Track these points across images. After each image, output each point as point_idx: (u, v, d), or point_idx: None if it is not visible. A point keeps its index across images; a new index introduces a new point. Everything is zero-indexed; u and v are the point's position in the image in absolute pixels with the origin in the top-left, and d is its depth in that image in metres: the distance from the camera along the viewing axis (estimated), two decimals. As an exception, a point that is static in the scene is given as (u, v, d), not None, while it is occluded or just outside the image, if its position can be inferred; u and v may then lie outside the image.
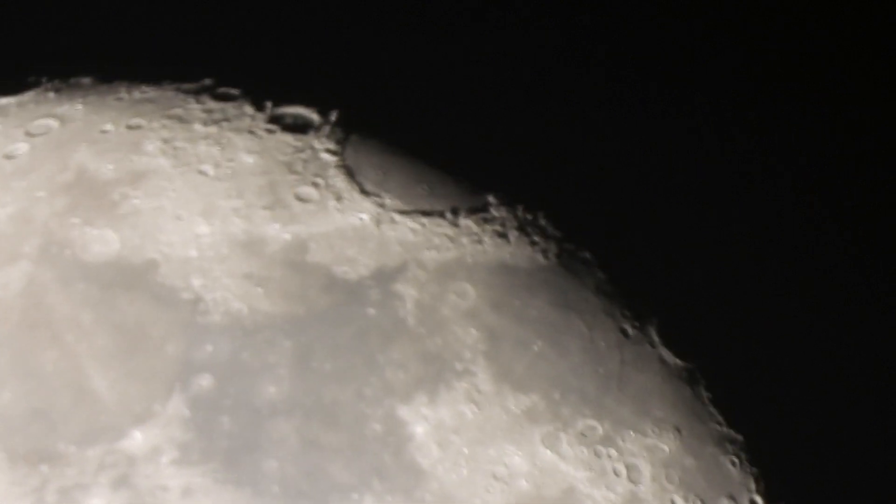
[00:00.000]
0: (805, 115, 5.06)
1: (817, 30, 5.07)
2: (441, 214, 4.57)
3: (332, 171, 4.60)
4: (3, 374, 4.34)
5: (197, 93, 4.81)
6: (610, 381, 4.38)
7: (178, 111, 4.74)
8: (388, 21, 4.94)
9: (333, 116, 4.72)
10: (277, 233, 4.51)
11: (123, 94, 4.85)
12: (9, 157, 4.67)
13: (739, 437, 4.42)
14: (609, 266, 4.54)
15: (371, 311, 4.42)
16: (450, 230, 4.54)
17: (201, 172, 4.57)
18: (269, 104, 4.76)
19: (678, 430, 4.37)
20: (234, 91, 4.81)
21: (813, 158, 4.91)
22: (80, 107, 4.82)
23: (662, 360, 4.44)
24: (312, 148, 4.65)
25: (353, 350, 4.36)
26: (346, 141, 4.68)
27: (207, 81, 4.84)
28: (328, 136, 4.69)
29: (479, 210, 4.60)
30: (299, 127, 4.71)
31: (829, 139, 5.01)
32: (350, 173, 4.58)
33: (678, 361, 4.45)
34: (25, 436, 4.28)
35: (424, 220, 4.54)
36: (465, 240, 4.52)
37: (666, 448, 4.38)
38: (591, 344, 4.42)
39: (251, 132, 4.68)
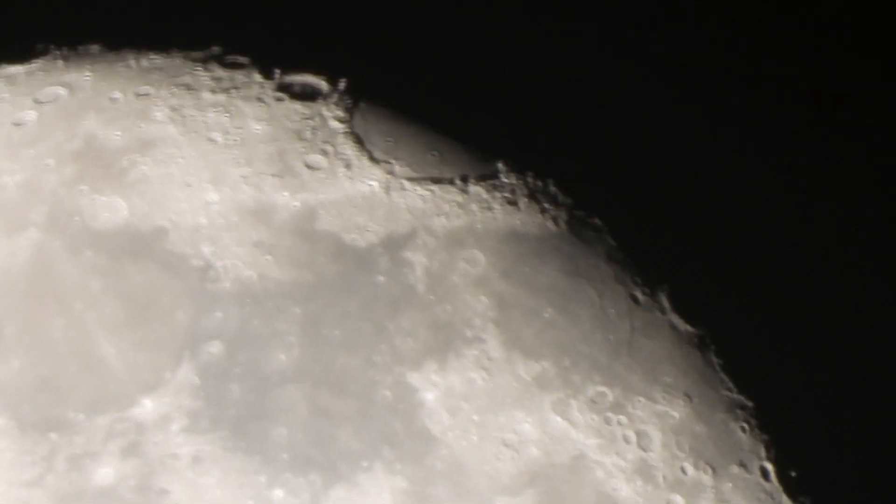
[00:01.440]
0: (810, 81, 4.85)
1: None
2: (451, 181, 4.40)
3: (341, 139, 4.42)
4: (12, 342, 4.20)
5: (205, 61, 4.64)
6: (620, 347, 4.21)
7: (187, 79, 4.57)
8: (397, -12, 4.74)
9: (342, 84, 4.54)
10: (286, 200, 4.36)
11: (132, 62, 4.67)
12: (17, 124, 4.50)
13: (750, 404, 4.25)
14: (619, 233, 4.38)
15: (380, 278, 4.27)
16: (459, 197, 4.37)
17: (210, 140, 4.40)
18: (277, 72, 4.59)
19: (688, 396, 4.21)
20: (243, 59, 4.63)
21: (820, 123, 4.71)
22: (88, 75, 4.65)
23: (673, 327, 4.27)
24: (321, 115, 4.48)
25: (363, 317, 4.21)
26: (354, 108, 4.51)
27: (216, 49, 4.66)
28: (337, 104, 4.51)
29: (488, 177, 4.43)
30: (308, 95, 4.54)
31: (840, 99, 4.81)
32: (359, 141, 4.41)
33: (688, 328, 4.28)
34: (34, 404, 4.14)
35: (434, 187, 4.36)
36: (474, 207, 4.34)
37: (676, 415, 4.21)
38: (602, 311, 4.25)
39: (260, 100, 4.50)
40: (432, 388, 4.18)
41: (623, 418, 4.19)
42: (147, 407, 4.13)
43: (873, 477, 4.31)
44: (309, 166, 4.39)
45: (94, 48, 4.77)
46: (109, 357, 4.16)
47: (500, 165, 4.47)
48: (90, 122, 4.54)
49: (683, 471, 4.17)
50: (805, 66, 4.78)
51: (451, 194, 4.39)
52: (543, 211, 4.39)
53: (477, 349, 4.22)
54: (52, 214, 4.34)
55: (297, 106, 4.54)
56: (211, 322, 4.21)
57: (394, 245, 4.33)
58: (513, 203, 4.40)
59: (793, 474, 4.25)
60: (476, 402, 4.17)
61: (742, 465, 4.22)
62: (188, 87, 4.58)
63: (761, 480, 4.22)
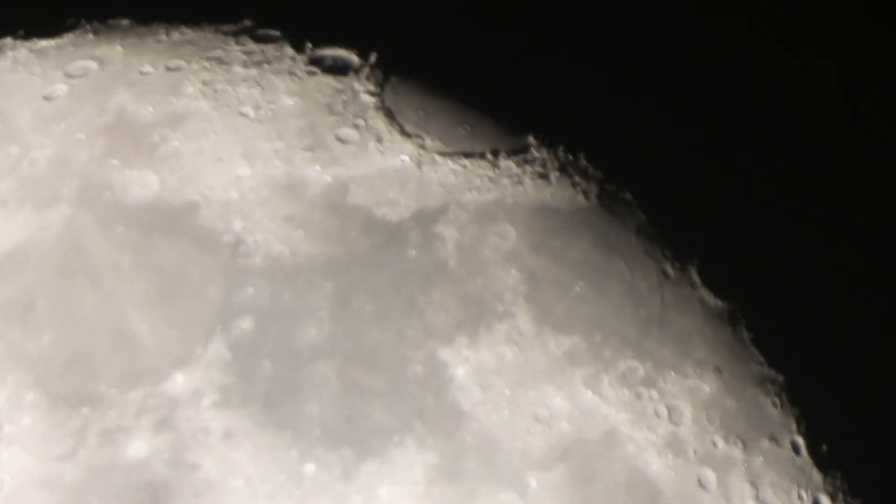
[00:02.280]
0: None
1: None
2: (482, 155, 4.32)
3: (373, 113, 4.33)
4: (44, 317, 4.14)
5: (237, 34, 4.54)
6: (651, 322, 4.12)
7: (218, 53, 4.48)
8: (427, -39, 4.62)
9: (373, 58, 4.44)
10: (318, 175, 4.28)
11: (162, 35, 4.58)
12: (48, 99, 4.43)
13: (780, 378, 4.16)
14: (650, 207, 4.28)
15: (412, 252, 4.19)
16: (490, 171, 4.29)
17: (242, 114, 4.31)
18: (309, 46, 4.50)
19: (719, 370, 4.12)
20: (274, 32, 4.54)
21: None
22: (119, 49, 4.56)
23: (703, 301, 4.18)
24: (353, 89, 4.39)
25: (394, 292, 4.14)
26: (386, 82, 4.42)
27: (247, 23, 4.56)
28: (368, 78, 4.43)
29: (519, 151, 4.35)
30: (339, 68, 4.45)
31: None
32: (390, 115, 4.32)
33: (719, 302, 4.19)
34: (66, 379, 4.08)
35: (465, 161, 4.28)
36: (505, 181, 4.26)
37: (707, 389, 4.13)
38: (632, 285, 4.17)
39: (291, 74, 4.41)
40: (463, 363, 4.10)
41: (654, 392, 4.11)
42: (179, 382, 4.06)
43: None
44: (340, 140, 4.31)
45: (125, 22, 4.67)
46: (141, 332, 4.09)
47: (531, 139, 4.37)
48: (121, 96, 4.45)
49: (714, 445, 4.09)
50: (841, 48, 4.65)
51: (482, 168, 4.30)
52: (574, 185, 4.30)
53: (508, 324, 4.14)
54: (82, 189, 4.27)
55: (329, 80, 4.45)
56: (242, 297, 4.13)
57: (425, 219, 4.25)
58: (543, 177, 4.30)
59: (824, 448, 4.15)
60: (507, 377, 4.10)
61: (773, 439, 4.13)
62: (219, 61, 4.49)
63: (792, 455, 4.14)
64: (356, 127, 4.33)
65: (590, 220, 4.27)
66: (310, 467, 3.98)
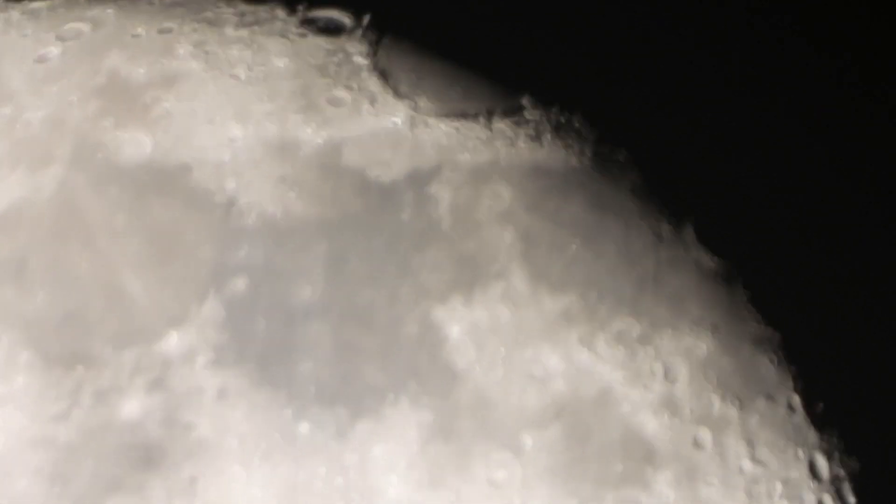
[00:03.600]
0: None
1: None
2: (475, 117, 4.19)
3: (365, 75, 4.21)
4: (37, 277, 4.03)
5: (228, -4, 4.38)
6: (646, 281, 4.00)
7: (210, 15, 4.35)
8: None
9: (366, 19, 4.28)
10: (310, 136, 4.15)
11: (155, -3, 4.42)
12: (41, 61, 4.30)
13: (777, 336, 4.03)
14: (644, 168, 4.14)
15: (405, 213, 4.07)
16: (484, 133, 4.16)
17: (233, 76, 4.19)
18: (300, 7, 4.38)
19: (715, 329, 4.01)
20: (266, -6, 4.38)
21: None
22: (111, 11, 4.44)
23: (698, 261, 4.07)
24: (345, 51, 4.26)
25: (388, 253, 4.03)
26: (379, 44, 4.29)
27: (239, -15, 4.40)
28: (361, 40, 4.30)
29: (513, 112, 4.22)
30: (331, 30, 4.32)
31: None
32: (383, 76, 4.19)
33: (714, 261, 4.08)
34: (60, 339, 3.96)
35: (459, 122, 4.15)
36: (499, 142, 4.14)
37: (703, 347, 4.01)
38: (627, 245, 4.05)
39: (283, 36, 4.29)
40: (458, 322, 3.97)
41: (649, 351, 3.99)
42: (173, 341, 3.94)
43: (901, 409, 4.06)
44: (333, 102, 4.18)
45: (117, -16, 4.52)
46: (135, 292, 3.96)
47: (525, 101, 4.23)
48: (113, 58, 4.32)
49: (710, 404, 3.97)
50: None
51: (475, 130, 4.17)
52: (568, 146, 4.17)
53: (502, 283, 4.01)
54: (76, 150, 4.14)
55: (321, 41, 4.31)
56: (235, 258, 4.01)
57: (418, 180, 4.12)
58: (537, 138, 4.18)
59: (820, 407, 4.01)
60: (502, 336, 3.98)
61: (769, 397, 4.00)
62: (211, 23, 4.35)
63: (788, 414, 4.01)
64: (349, 89, 4.20)
65: (584, 180, 4.14)
66: (304, 426, 3.87)
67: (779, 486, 3.97)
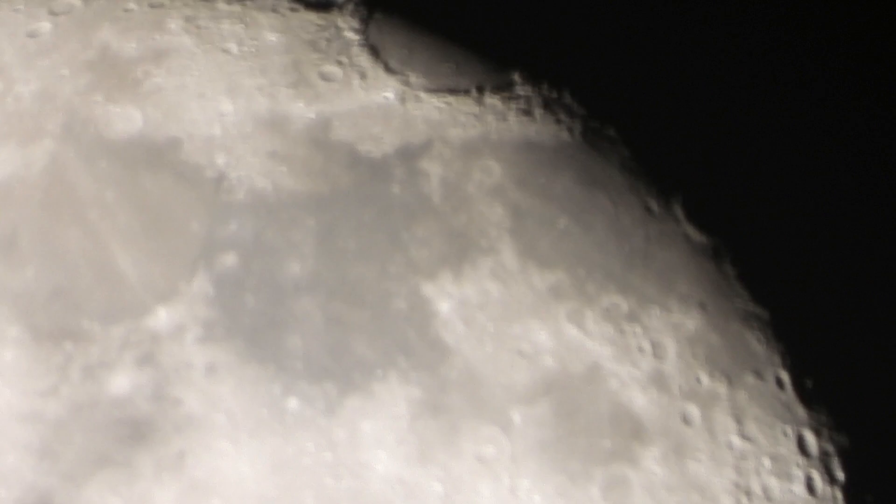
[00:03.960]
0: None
1: None
2: (466, 92, 4.14)
3: (356, 50, 4.15)
4: (27, 251, 3.99)
5: (220, -29, 4.32)
6: (635, 257, 3.95)
7: (201, -11, 4.25)
8: None
9: (357, -6, 4.22)
10: (301, 111, 4.10)
11: (146, -28, 4.36)
12: (32, 35, 4.25)
13: (765, 313, 3.99)
14: (634, 143, 4.10)
15: (395, 188, 4.02)
16: (475, 108, 4.11)
17: (225, 51, 4.13)
18: None
19: (703, 306, 3.95)
20: (258, -31, 4.31)
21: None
22: None
23: (687, 237, 4.01)
24: (336, 26, 4.20)
25: (378, 228, 3.99)
26: (369, 19, 4.23)
27: (231, -40, 4.34)
28: (352, 15, 4.25)
29: (504, 88, 4.17)
30: (323, 5, 4.27)
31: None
32: (374, 51, 4.14)
33: (703, 237, 4.02)
34: (49, 313, 3.92)
35: (450, 97, 4.10)
36: (490, 117, 4.08)
37: (691, 324, 3.97)
38: (616, 221, 3.99)
39: (275, 10, 4.24)
40: (447, 298, 3.93)
41: (638, 328, 3.93)
42: (162, 317, 3.90)
43: (889, 383, 4.01)
44: (324, 77, 4.12)
45: (109, -41, 4.46)
46: (124, 267, 3.92)
47: (516, 76, 4.17)
48: (105, 32, 4.26)
49: (698, 380, 3.91)
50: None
51: (466, 105, 4.12)
52: (558, 121, 4.11)
53: (492, 259, 3.97)
54: (67, 124, 4.09)
55: (312, 16, 4.25)
56: (225, 232, 3.97)
57: (409, 155, 4.07)
58: (528, 113, 4.11)
59: (808, 384, 3.96)
60: (491, 312, 3.93)
61: (757, 374, 3.96)
62: (202, -3, 4.28)
63: (776, 390, 3.96)
64: (340, 64, 4.14)
65: (574, 156, 4.09)
66: (293, 402, 3.84)
67: (767, 462, 3.93)
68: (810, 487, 3.94)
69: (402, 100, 4.10)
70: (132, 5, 4.30)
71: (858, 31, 4.48)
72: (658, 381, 3.93)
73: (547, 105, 4.14)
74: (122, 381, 3.84)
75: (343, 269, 3.92)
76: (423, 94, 4.11)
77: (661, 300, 3.98)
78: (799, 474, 3.94)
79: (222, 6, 4.26)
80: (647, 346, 3.94)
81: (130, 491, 3.77)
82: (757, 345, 4.00)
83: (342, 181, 4.01)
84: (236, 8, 4.26)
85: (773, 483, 3.92)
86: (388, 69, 4.15)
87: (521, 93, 4.15)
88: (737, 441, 3.92)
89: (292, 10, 4.26)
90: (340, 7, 4.26)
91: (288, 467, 3.78)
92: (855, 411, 4.00)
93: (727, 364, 3.97)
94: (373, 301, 3.90)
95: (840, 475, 3.96)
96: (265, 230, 3.95)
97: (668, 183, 4.08)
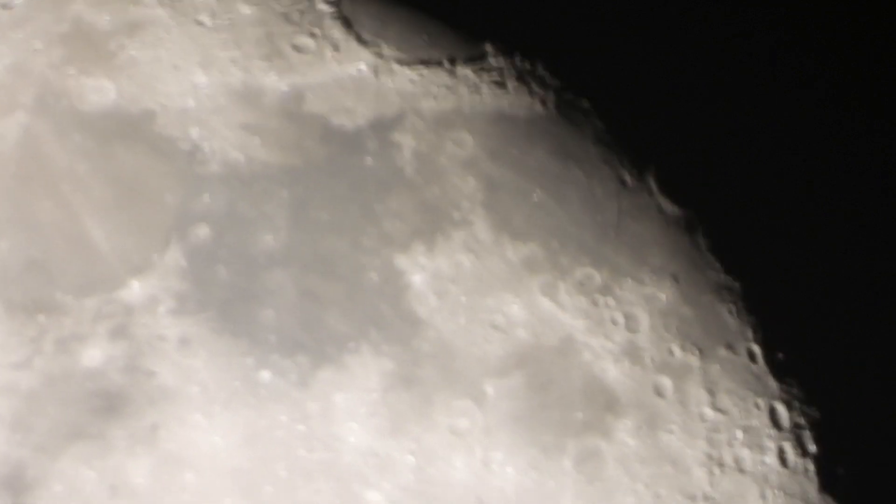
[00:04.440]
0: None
1: None
2: (439, 64, 4.07)
3: (329, 22, 4.08)
4: (0, 224, 3.85)
5: (194, -57, 4.24)
6: (608, 229, 3.89)
7: (175, -39, 4.17)
8: None
9: (330, -34, 4.14)
10: (275, 83, 4.03)
11: (120, -57, 4.28)
12: (5, 7, 4.18)
13: (737, 285, 3.93)
14: (608, 115, 4.01)
15: (368, 160, 3.96)
16: (448, 80, 4.04)
17: (199, 23, 4.06)
18: None
19: (676, 278, 3.90)
20: (232, -59, 4.23)
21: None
22: None
23: (660, 209, 3.95)
24: (310, -2, 4.09)
25: (351, 200, 3.93)
26: None
27: (205, -68, 4.26)
28: None
29: (477, 59, 4.09)
30: None
31: None
32: (347, 23, 4.07)
33: (676, 209, 3.96)
34: (22, 286, 3.87)
35: (423, 69, 4.03)
36: (463, 89, 4.01)
37: (663, 296, 3.92)
38: (590, 193, 3.93)
39: None
40: (420, 270, 3.89)
41: (611, 300, 3.88)
42: (135, 289, 3.84)
43: (860, 357, 3.95)
44: (297, 49, 4.05)
45: (83, -69, 4.37)
46: (97, 239, 3.86)
47: (489, 47, 4.09)
48: (78, 4, 4.18)
49: (671, 352, 3.87)
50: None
51: (439, 77, 4.05)
52: (532, 93, 4.04)
53: (465, 231, 3.92)
54: (40, 97, 4.01)
55: (285, -12, 4.16)
56: (198, 205, 3.91)
57: (382, 127, 4.00)
58: (501, 85, 4.05)
59: (780, 356, 3.91)
60: (464, 285, 3.89)
61: (729, 347, 3.90)
62: (176, -31, 4.20)
63: (748, 362, 3.91)
64: (313, 36, 4.07)
65: (547, 128, 4.02)
66: (265, 374, 3.79)
67: (739, 434, 3.89)
68: (782, 459, 3.89)
69: (375, 72, 4.03)
70: (106, -23, 4.24)
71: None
72: (631, 353, 3.88)
73: (520, 77, 4.07)
74: (95, 354, 3.80)
75: (316, 241, 3.88)
76: (395, 66, 4.04)
77: (634, 272, 3.93)
78: (771, 446, 3.89)
79: (196, -22, 4.20)
80: (620, 318, 3.90)
81: (104, 463, 3.73)
82: (729, 317, 3.95)
83: (315, 153, 3.95)
84: (210, -20, 4.20)
85: (746, 454, 3.88)
86: (361, 41, 4.08)
87: (495, 64, 4.08)
88: (709, 413, 3.87)
89: (266, -19, 4.20)
90: (314, -21, 4.19)
91: (261, 439, 3.74)
92: (827, 384, 3.95)
93: (700, 336, 3.92)
94: (345, 273, 3.86)
95: (812, 447, 3.91)
96: (238, 202, 3.90)
97: (641, 155, 4.02)
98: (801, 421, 3.92)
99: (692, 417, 3.87)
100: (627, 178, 4.01)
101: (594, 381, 3.85)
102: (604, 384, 3.85)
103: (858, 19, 4.32)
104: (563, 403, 3.83)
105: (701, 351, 3.90)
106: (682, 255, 3.96)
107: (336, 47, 4.07)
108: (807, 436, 3.92)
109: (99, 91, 4.00)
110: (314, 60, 4.06)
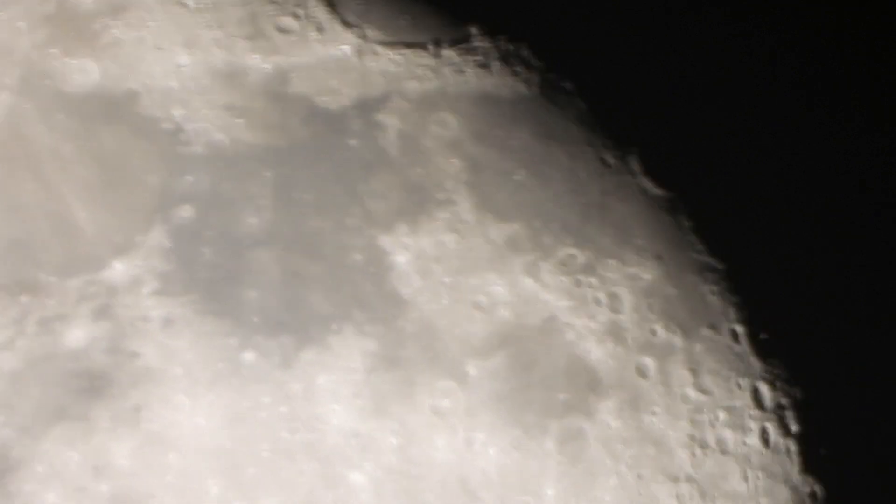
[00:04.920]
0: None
1: None
2: (423, 46, 4.04)
3: (313, 3, 4.08)
4: None
5: (177, -76, 4.18)
6: (591, 210, 3.85)
7: (158, -58, 4.12)
8: None
9: (314, -54, 4.09)
10: (258, 63, 3.99)
11: (103, -76, 4.22)
12: None
13: (720, 266, 3.89)
14: (591, 97, 3.98)
15: (352, 141, 3.92)
16: (432, 61, 4.01)
17: (181, 4, 4.04)
18: None
19: (659, 258, 3.87)
20: (215, -78, 4.18)
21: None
22: None
23: (643, 189, 3.92)
24: (293, -21, 4.04)
25: (335, 180, 3.89)
26: None
27: (188, -87, 4.20)
28: None
29: (461, 41, 4.06)
30: None
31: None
32: (331, 4, 4.05)
33: (659, 190, 3.92)
34: (5, 267, 3.81)
35: (406, 51, 4.00)
36: (447, 71, 3.97)
37: (647, 277, 3.88)
38: (573, 174, 3.89)
39: None
40: (403, 250, 3.84)
41: (594, 280, 3.84)
42: (118, 270, 3.79)
43: (843, 337, 3.91)
44: (280, 30, 4.01)
45: (66, -89, 4.31)
46: (81, 220, 3.81)
47: (473, 29, 4.06)
48: (62, -15, 4.09)
49: (654, 333, 3.82)
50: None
51: (423, 58, 4.00)
52: (515, 74, 4.00)
53: (448, 212, 3.88)
54: (24, 77, 3.95)
55: (269, -31, 4.11)
56: (182, 185, 3.86)
57: (366, 108, 3.96)
58: (485, 67, 4.00)
59: (763, 336, 3.86)
60: (447, 265, 3.84)
61: (712, 327, 3.86)
62: (159, -50, 4.15)
63: (731, 342, 3.86)
64: (296, 17, 4.03)
65: (531, 109, 3.98)
66: (249, 355, 3.75)
67: (722, 415, 3.84)
68: (765, 439, 3.85)
69: (359, 53, 3.99)
70: (90, -42, 4.18)
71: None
72: (614, 333, 3.84)
73: (504, 58, 4.03)
74: (78, 335, 3.74)
75: (300, 221, 3.83)
76: (379, 48, 4.00)
77: (617, 252, 3.89)
78: (754, 426, 3.85)
79: (180, -41, 4.14)
80: (603, 298, 3.85)
81: (87, 444, 3.68)
82: (712, 297, 3.91)
83: (299, 134, 3.91)
84: (193, -39, 4.14)
85: (728, 435, 3.84)
86: (345, 22, 4.03)
87: (479, 46, 4.04)
88: (692, 393, 3.83)
89: (249, -37, 4.15)
90: (298, -40, 4.14)
91: (244, 420, 3.69)
92: (809, 364, 3.90)
93: (683, 316, 3.88)
94: (329, 254, 3.82)
95: (794, 427, 3.87)
96: (222, 183, 3.86)
97: (624, 136, 3.98)
98: (784, 401, 3.88)
99: (675, 398, 3.83)
100: (610, 159, 3.97)
101: (577, 362, 3.81)
102: (587, 364, 3.81)
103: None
104: (545, 384, 3.79)
105: (684, 331, 3.86)
106: (665, 236, 3.92)
107: (320, 28, 4.02)
108: (789, 416, 3.88)
109: (82, 72, 3.95)
110: (298, 41, 4.01)
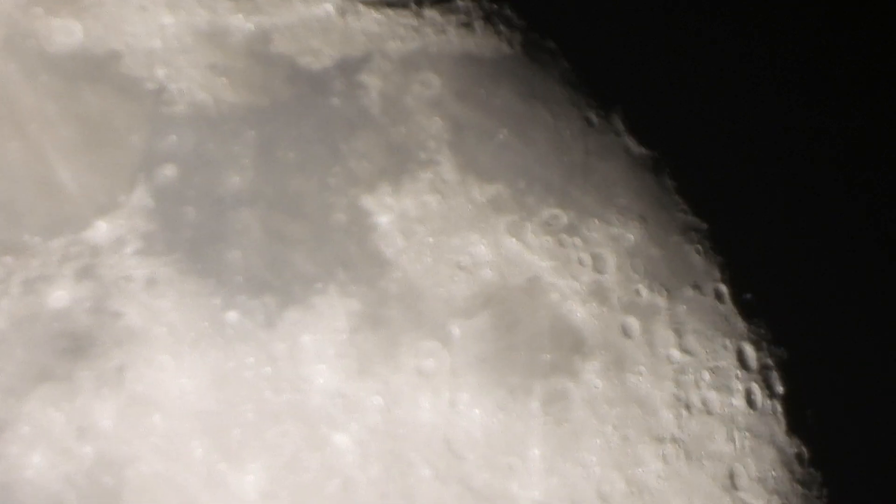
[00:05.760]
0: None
1: None
2: (405, 5, 3.94)
3: None
4: None
5: None
6: (574, 169, 3.76)
7: None
8: None
9: None
10: (241, 23, 3.89)
11: None
12: None
13: (704, 226, 3.81)
14: (574, 55, 3.89)
15: (335, 101, 3.83)
16: (414, 21, 3.91)
17: None
18: None
19: (643, 218, 3.78)
20: None
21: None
22: None
23: (627, 149, 3.83)
24: (276, -62, 3.94)
25: (317, 140, 3.80)
26: None
27: None
28: None
29: (443, 0, 3.85)
30: None
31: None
32: None
33: (643, 150, 3.82)
34: None
35: (389, 10, 3.90)
36: (429, 30, 3.88)
37: (631, 237, 3.79)
38: (556, 133, 3.80)
39: None
40: (387, 210, 3.77)
41: (578, 240, 3.75)
42: (102, 229, 3.71)
43: (828, 296, 3.83)
44: (264, -11, 3.88)
45: None
46: (65, 180, 3.73)
47: (457, -11, 3.93)
48: (45, -55, 3.99)
49: (638, 293, 3.74)
50: None
51: (405, 18, 3.91)
52: (498, 34, 3.91)
53: (431, 172, 3.80)
54: (7, 38, 3.87)
55: (252, -72, 4.01)
56: (165, 145, 3.77)
57: (349, 68, 3.87)
58: (468, 26, 3.91)
59: (748, 297, 3.78)
60: (430, 225, 3.77)
61: (696, 287, 3.78)
62: (142, -90, 4.05)
63: (716, 303, 3.78)
64: (280, -25, 3.92)
65: (514, 68, 3.90)
66: (232, 315, 3.67)
67: (707, 375, 3.77)
68: (750, 400, 3.78)
69: (342, 13, 3.90)
70: (72, -82, 4.08)
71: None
72: (598, 293, 3.77)
73: (487, 17, 3.93)
74: (61, 295, 3.66)
75: (283, 181, 3.76)
76: (362, 7, 3.91)
77: (600, 212, 3.81)
78: (739, 387, 3.78)
79: (163, -82, 4.04)
80: (586, 258, 3.77)
81: (71, 405, 3.61)
82: (696, 257, 3.83)
83: (282, 94, 3.82)
84: (177, -80, 4.04)
85: (713, 396, 3.76)
86: (328, -19, 3.94)
87: (461, 5, 3.95)
88: (676, 354, 3.76)
89: (233, -78, 4.05)
90: (281, -81, 4.04)
91: (228, 381, 3.62)
92: (794, 324, 3.83)
93: (667, 277, 3.80)
94: (312, 214, 3.74)
95: (779, 388, 3.80)
96: (205, 142, 3.77)
97: (608, 95, 3.90)
98: (769, 361, 3.80)
99: (659, 359, 3.75)
100: (594, 118, 3.89)
101: (561, 322, 3.74)
102: (571, 325, 3.74)
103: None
104: (530, 344, 3.72)
105: (668, 291, 3.79)
106: (649, 196, 3.84)
107: (303, -13, 3.94)
108: (774, 377, 3.80)
109: (66, 32, 3.86)
110: (280, 1, 3.92)
